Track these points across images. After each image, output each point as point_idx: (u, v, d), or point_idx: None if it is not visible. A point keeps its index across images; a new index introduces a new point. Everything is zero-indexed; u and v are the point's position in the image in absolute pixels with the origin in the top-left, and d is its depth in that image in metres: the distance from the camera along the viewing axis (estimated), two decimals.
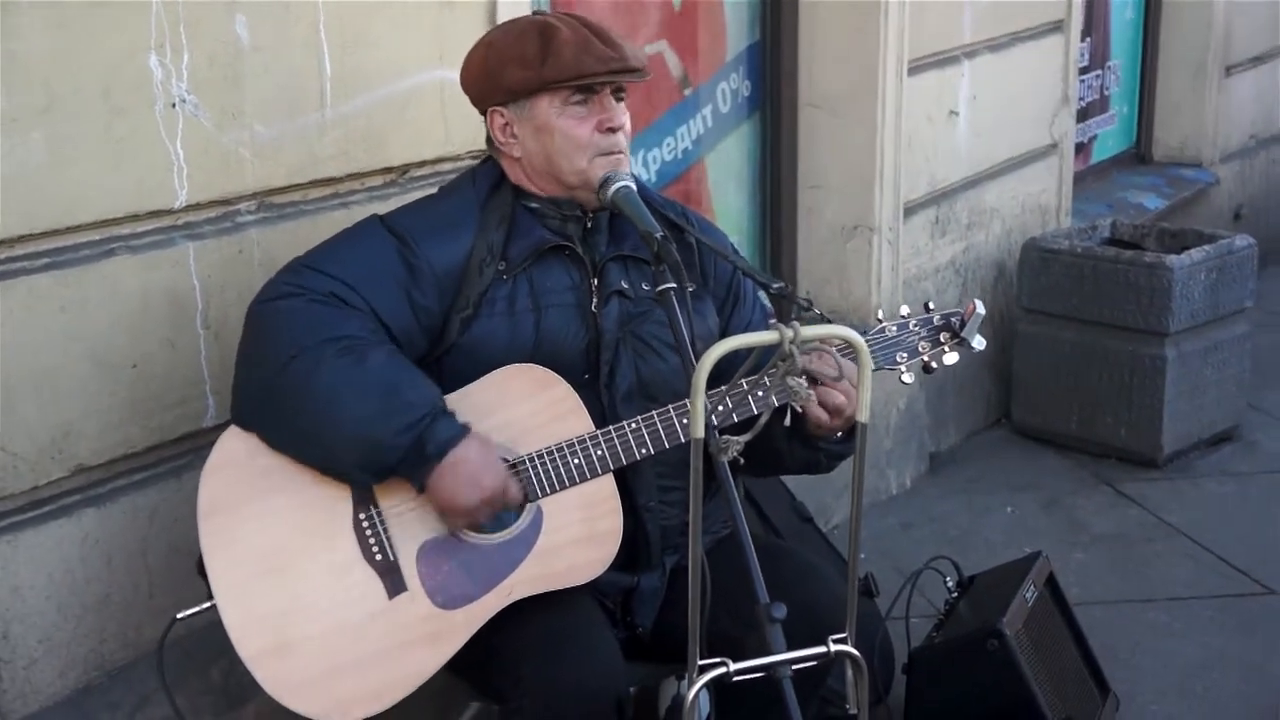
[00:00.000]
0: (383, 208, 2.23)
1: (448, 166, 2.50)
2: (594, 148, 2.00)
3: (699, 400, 1.43)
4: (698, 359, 1.42)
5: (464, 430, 1.88)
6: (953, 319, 2.09)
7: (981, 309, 2.07)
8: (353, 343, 1.88)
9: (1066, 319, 4.17)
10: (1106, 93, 5.69)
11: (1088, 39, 5.29)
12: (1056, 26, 4.54)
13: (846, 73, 3.63)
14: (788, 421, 1.88)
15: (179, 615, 1.92)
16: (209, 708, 2.18)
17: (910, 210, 3.89)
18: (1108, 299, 4.05)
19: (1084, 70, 5.30)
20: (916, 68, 3.80)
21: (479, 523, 1.91)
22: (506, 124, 2.05)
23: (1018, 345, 4.32)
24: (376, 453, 1.85)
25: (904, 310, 2.11)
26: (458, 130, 2.46)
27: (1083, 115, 5.35)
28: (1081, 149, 5.40)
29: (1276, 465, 4.10)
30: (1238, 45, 5.98)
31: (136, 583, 2.13)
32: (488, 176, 2.09)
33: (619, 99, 2.04)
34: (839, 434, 2.03)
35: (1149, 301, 3.98)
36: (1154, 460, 4.06)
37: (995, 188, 4.36)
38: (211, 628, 1.89)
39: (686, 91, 3.51)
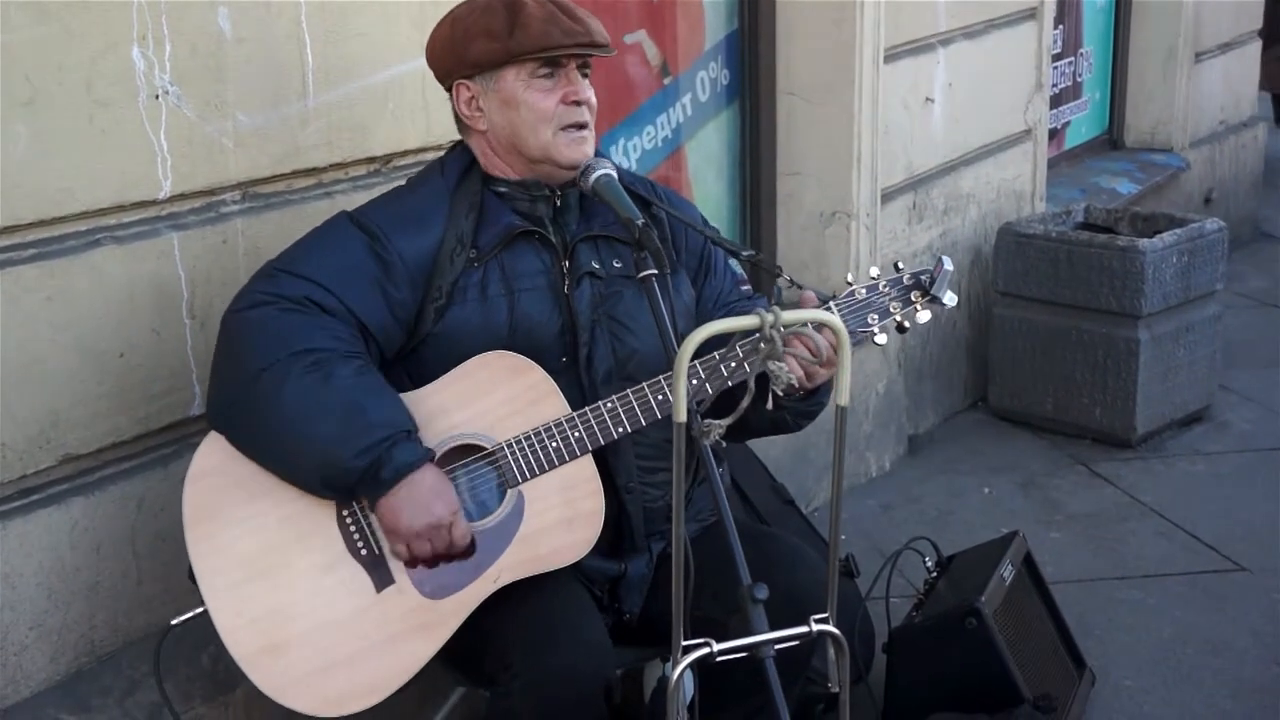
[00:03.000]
0: (366, 197, 2.24)
1: (430, 156, 2.50)
2: (558, 120, 2.01)
3: (681, 385, 1.44)
4: (679, 340, 1.44)
5: (423, 457, 1.89)
6: (923, 277, 2.07)
7: (949, 265, 2.05)
8: (321, 357, 1.89)
9: (1042, 302, 4.22)
10: (1079, 79, 5.74)
11: (1060, 26, 5.34)
12: (1030, 14, 4.58)
13: (824, 61, 3.66)
14: (770, 404, 1.90)
15: (174, 621, 1.94)
16: (199, 693, 2.20)
17: (888, 196, 3.92)
18: (1082, 282, 4.10)
19: (1057, 57, 5.34)
20: (893, 56, 3.83)
21: (416, 557, 1.89)
22: (472, 97, 2.05)
23: (994, 328, 4.37)
24: (336, 473, 1.87)
25: (874, 271, 2.09)
26: (439, 120, 2.47)
27: (1056, 101, 5.40)
28: (1055, 135, 5.45)
29: (1247, 445, 4.16)
30: (1207, 32, 6.04)
31: (125, 570, 2.15)
32: (456, 164, 2.10)
33: (584, 74, 2.05)
34: (799, 391, 2.02)
35: (1122, 285, 4.03)
36: (1128, 441, 4.12)
37: (971, 173, 4.40)
38: (201, 615, 1.91)
39: (666, 80, 3.53)
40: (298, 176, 2.33)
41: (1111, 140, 6.06)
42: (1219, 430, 4.27)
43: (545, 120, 2.01)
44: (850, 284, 2.08)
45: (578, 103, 2.02)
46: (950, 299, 2.06)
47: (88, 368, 2.06)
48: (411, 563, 1.91)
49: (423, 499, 1.86)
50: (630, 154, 3.43)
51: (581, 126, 2.03)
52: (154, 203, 2.12)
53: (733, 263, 2.22)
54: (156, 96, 2.08)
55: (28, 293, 1.97)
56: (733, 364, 1.93)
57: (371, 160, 2.45)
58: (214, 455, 1.93)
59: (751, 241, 3.83)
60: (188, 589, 1.94)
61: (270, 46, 2.24)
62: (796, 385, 1.94)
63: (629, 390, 1.96)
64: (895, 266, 2.10)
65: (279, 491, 1.91)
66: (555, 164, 2.03)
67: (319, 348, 1.90)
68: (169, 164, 2.12)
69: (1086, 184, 5.42)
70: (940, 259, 2.06)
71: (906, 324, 2.07)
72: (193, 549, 1.90)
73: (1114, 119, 6.05)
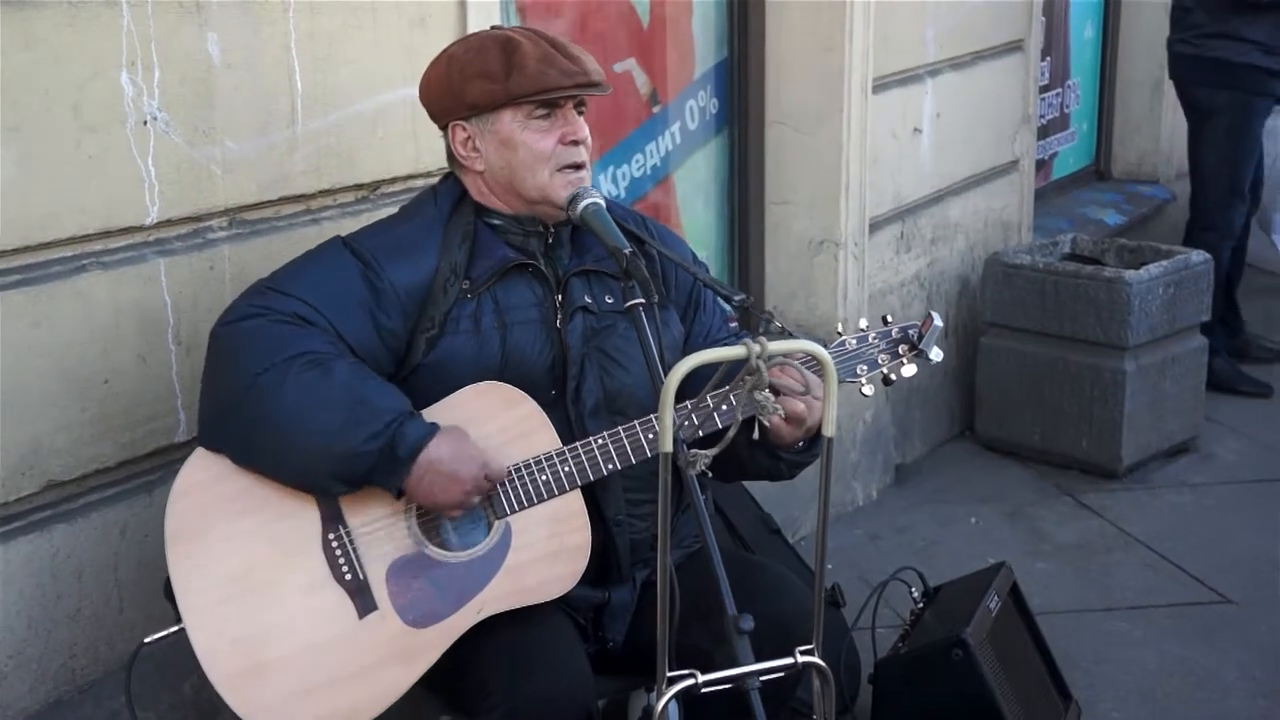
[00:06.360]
0: (354, 224, 2.25)
1: (419, 183, 2.51)
2: (556, 160, 2.02)
3: (667, 415, 1.45)
4: (666, 373, 1.45)
5: (432, 430, 1.89)
6: (910, 331, 2.12)
7: (939, 321, 2.10)
8: (317, 357, 1.89)
9: (1029, 333, 4.23)
10: (1066, 110, 5.78)
11: (1048, 58, 5.38)
12: (1017, 46, 4.62)
13: (813, 90, 3.68)
14: (756, 435, 1.91)
15: (147, 639, 1.92)
16: None
17: (876, 226, 3.94)
18: (1069, 313, 4.12)
19: (1044, 89, 5.38)
20: (881, 86, 3.85)
21: (472, 507, 1.93)
22: (469, 137, 2.06)
23: (981, 359, 4.38)
24: (348, 462, 1.86)
25: (863, 323, 2.14)
26: (428, 147, 2.48)
27: (1043, 133, 5.44)
28: (1042, 166, 5.49)
29: (1233, 476, 4.17)
30: None
31: (107, 598, 2.13)
32: (449, 194, 2.10)
33: (580, 112, 2.06)
34: (800, 443, 2.06)
35: (1109, 316, 4.04)
36: (1114, 471, 4.12)
37: (959, 204, 4.42)
38: (183, 642, 1.89)
39: (655, 108, 3.54)
40: (285, 203, 2.33)
41: (1098, 171, 6.10)
42: (1205, 462, 4.27)
43: (543, 161, 2.02)
44: (840, 334, 2.12)
45: (575, 142, 2.03)
46: (937, 355, 2.12)
47: (72, 394, 2.05)
48: None
49: (449, 473, 1.87)
50: (619, 182, 3.44)
51: (579, 167, 2.04)
52: (141, 229, 2.12)
53: (721, 300, 2.24)
54: (145, 122, 2.08)
55: (13, 319, 1.97)
56: (726, 407, 1.94)
57: (360, 187, 2.45)
58: (198, 474, 1.92)
59: (740, 269, 3.84)
60: (171, 617, 1.92)
61: (259, 73, 2.25)
62: (783, 419, 1.95)
63: (620, 428, 1.96)
64: (884, 320, 2.14)
65: (264, 511, 1.90)
66: (552, 205, 2.04)
67: (313, 350, 1.90)
68: (156, 190, 2.12)
69: (1074, 215, 5.45)
70: (930, 314, 2.11)
71: (893, 376, 2.12)
72: (173, 567, 1.89)
73: (1101, 150, 6.09)
